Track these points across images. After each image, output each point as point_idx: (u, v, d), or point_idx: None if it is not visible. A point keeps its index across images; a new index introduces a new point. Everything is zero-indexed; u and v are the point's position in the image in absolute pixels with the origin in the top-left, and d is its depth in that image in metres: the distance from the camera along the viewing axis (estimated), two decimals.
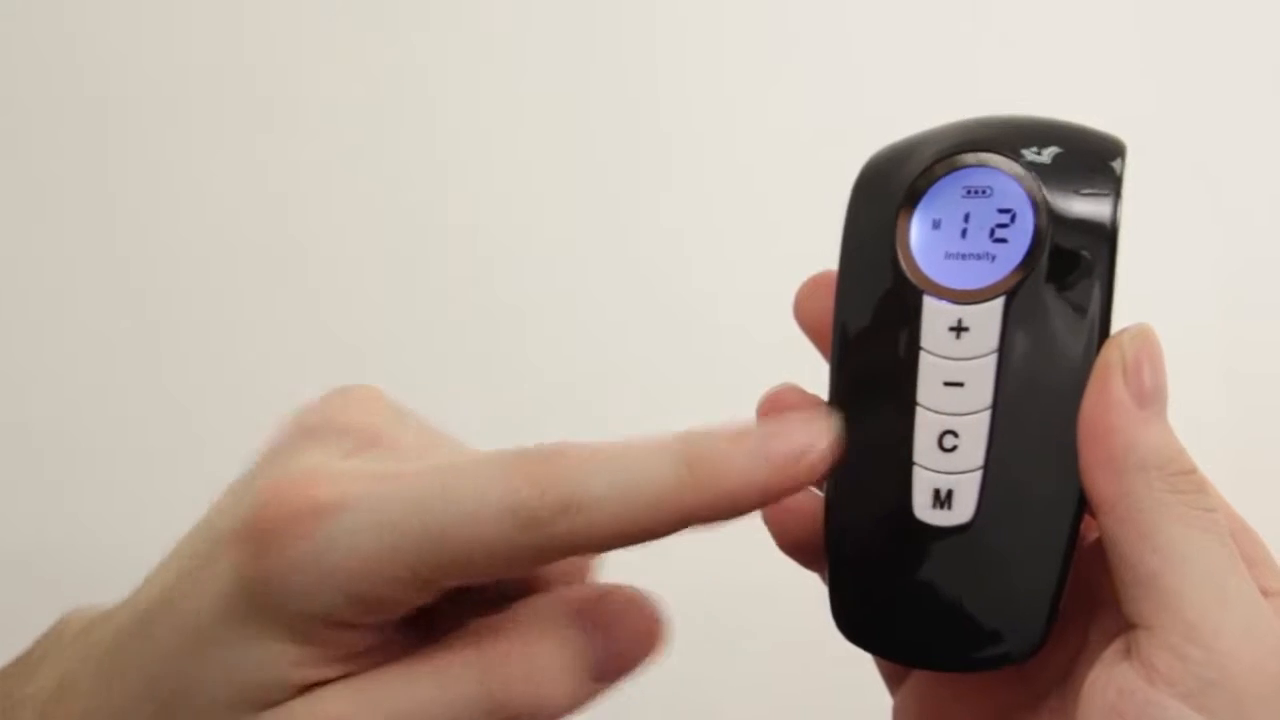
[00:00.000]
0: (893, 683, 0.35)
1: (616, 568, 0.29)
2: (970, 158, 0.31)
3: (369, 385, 0.30)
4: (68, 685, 0.28)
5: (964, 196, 0.31)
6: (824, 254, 0.33)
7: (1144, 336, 0.29)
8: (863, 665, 0.34)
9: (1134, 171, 0.31)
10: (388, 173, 0.76)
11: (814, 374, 0.33)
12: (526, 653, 0.26)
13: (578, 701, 0.27)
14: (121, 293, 0.72)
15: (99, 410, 0.71)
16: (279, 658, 0.25)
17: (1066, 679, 0.31)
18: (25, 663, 0.30)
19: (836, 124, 0.78)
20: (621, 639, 0.27)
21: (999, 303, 0.30)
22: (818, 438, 0.26)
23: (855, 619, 0.31)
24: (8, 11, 0.71)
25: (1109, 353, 0.29)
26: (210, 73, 0.74)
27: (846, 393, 0.31)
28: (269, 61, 0.75)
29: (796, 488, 0.26)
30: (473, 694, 0.26)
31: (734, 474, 0.25)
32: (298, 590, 0.25)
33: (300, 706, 0.26)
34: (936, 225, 0.31)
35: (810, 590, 0.33)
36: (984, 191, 0.31)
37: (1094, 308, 0.29)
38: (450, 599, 0.27)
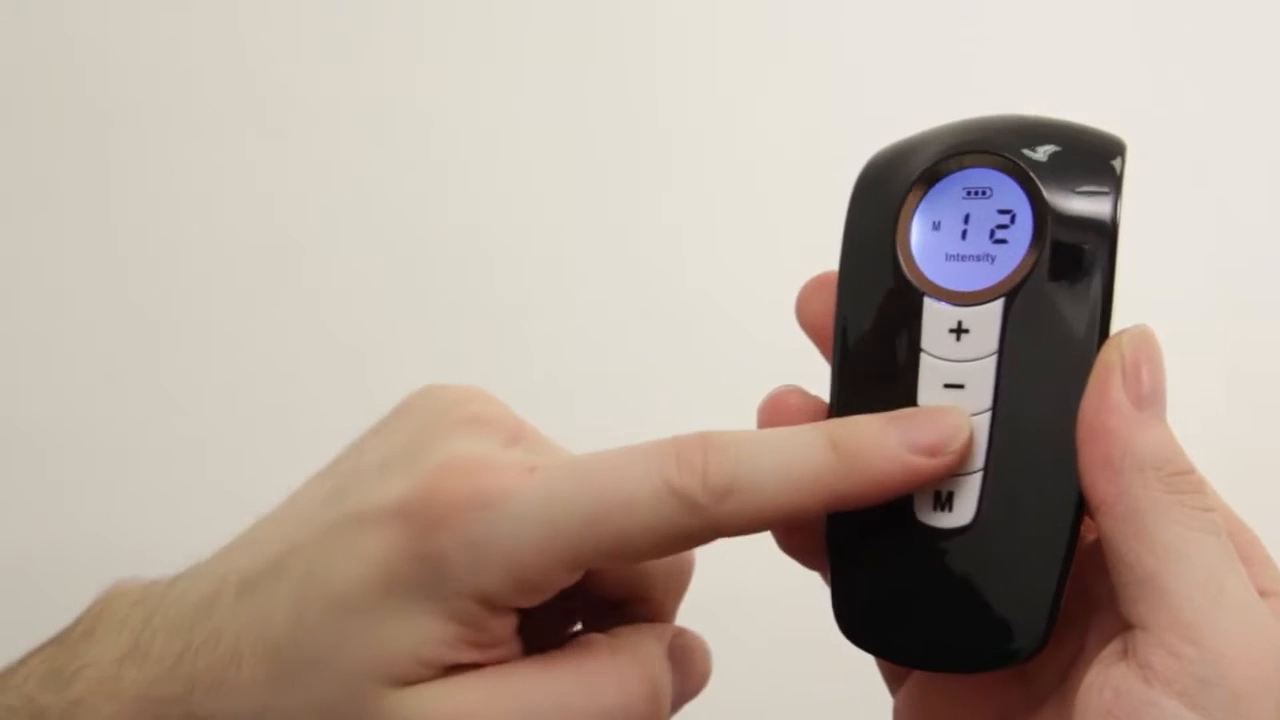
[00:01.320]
0: (893, 683, 0.35)
1: None
2: (970, 158, 0.31)
3: (476, 386, 0.31)
4: (141, 648, 0.28)
5: (964, 197, 0.31)
6: (825, 253, 0.33)
7: (1143, 338, 0.29)
8: (864, 666, 0.34)
9: (1135, 171, 0.31)
10: (386, 173, 0.76)
11: (817, 374, 0.33)
12: (651, 672, 0.28)
13: None
14: (121, 293, 0.72)
15: (99, 410, 0.71)
16: (429, 635, 0.26)
17: (1065, 680, 0.31)
18: (68, 639, 0.30)
19: (837, 123, 0.78)
20: (692, 678, 0.30)
21: (999, 304, 0.30)
22: (959, 429, 0.28)
23: (856, 620, 0.31)
24: (8, 12, 0.71)
25: (1108, 354, 0.29)
26: (209, 73, 0.74)
27: (847, 395, 0.31)
28: (268, 62, 0.75)
29: (937, 475, 0.28)
30: (610, 702, 0.27)
31: (881, 457, 0.27)
32: (466, 569, 0.26)
33: (437, 689, 0.26)
34: (937, 226, 0.31)
35: (812, 591, 0.34)
36: (984, 192, 0.31)
37: (1094, 308, 0.29)
38: (551, 612, 0.28)
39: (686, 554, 0.32)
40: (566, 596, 0.28)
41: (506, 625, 0.27)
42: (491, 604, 0.26)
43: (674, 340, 0.78)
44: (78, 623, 0.30)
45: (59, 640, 0.30)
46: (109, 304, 0.72)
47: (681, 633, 0.31)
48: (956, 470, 0.29)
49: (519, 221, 0.77)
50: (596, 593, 0.31)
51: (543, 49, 0.78)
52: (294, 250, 0.75)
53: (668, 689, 0.29)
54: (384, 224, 0.76)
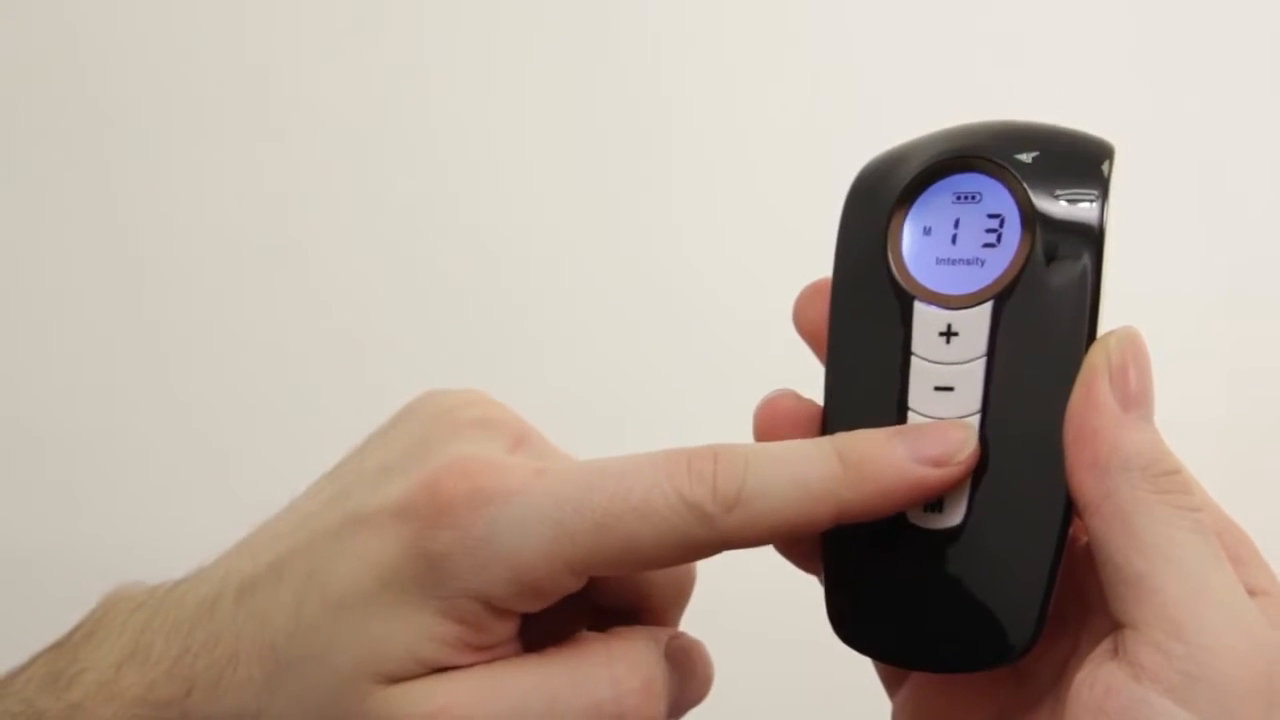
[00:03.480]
0: (891, 685, 0.35)
1: None
2: (960, 164, 0.31)
3: (477, 390, 0.31)
4: (141, 651, 0.28)
5: (954, 202, 0.31)
6: (829, 254, 0.33)
7: (1130, 340, 0.29)
8: (860, 668, 0.34)
9: (1133, 171, 0.31)
10: (391, 172, 0.76)
11: (820, 375, 0.33)
12: (644, 668, 0.28)
13: None
14: (123, 292, 0.73)
15: (101, 410, 0.72)
16: (426, 633, 0.26)
17: (1061, 680, 0.31)
18: (69, 643, 0.30)
19: (839, 125, 0.78)
20: (693, 680, 0.30)
21: (988, 307, 0.30)
22: (964, 441, 0.29)
23: (849, 622, 0.31)
24: (8, 11, 0.72)
25: (1095, 356, 0.29)
26: (213, 72, 0.74)
27: (839, 397, 0.32)
28: (272, 61, 0.75)
29: (944, 486, 0.28)
30: (601, 696, 0.27)
31: (888, 467, 0.28)
32: (468, 569, 0.26)
33: (425, 685, 0.26)
34: (927, 231, 0.31)
35: (808, 592, 0.34)
36: (974, 197, 0.31)
37: (1082, 311, 0.29)
38: (553, 617, 0.28)
39: (689, 565, 0.32)
40: (567, 602, 0.28)
41: (507, 628, 0.27)
42: (493, 606, 0.27)
43: (679, 339, 0.78)
44: (79, 626, 0.30)
45: (60, 644, 0.30)
46: (111, 304, 0.72)
47: (679, 635, 0.31)
48: (961, 482, 0.29)
49: (523, 221, 0.77)
50: (598, 601, 0.31)
51: (546, 48, 0.78)
52: (297, 250, 0.75)
53: (663, 686, 0.29)
54: (388, 224, 0.76)
